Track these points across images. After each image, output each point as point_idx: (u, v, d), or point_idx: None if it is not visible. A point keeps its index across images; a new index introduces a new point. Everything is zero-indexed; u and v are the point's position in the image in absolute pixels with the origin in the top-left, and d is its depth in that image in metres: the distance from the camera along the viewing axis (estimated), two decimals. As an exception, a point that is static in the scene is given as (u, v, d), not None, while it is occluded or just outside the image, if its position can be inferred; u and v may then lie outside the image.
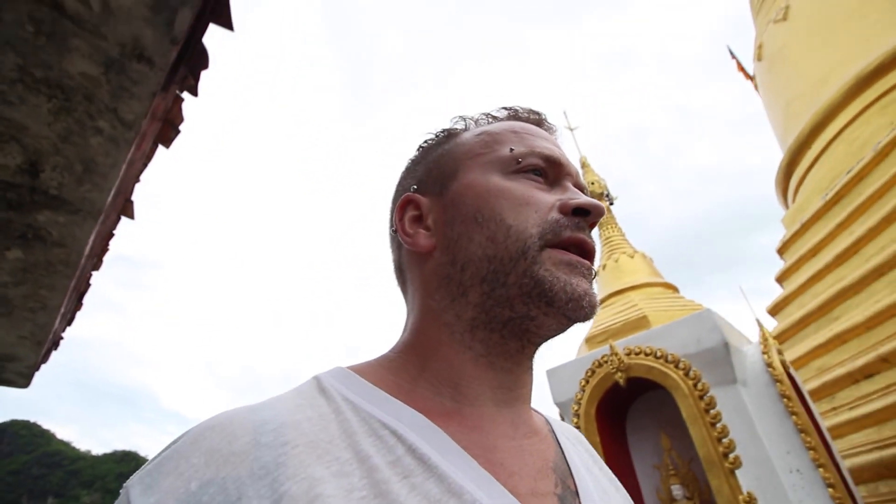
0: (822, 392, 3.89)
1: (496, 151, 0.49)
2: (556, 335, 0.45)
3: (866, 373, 3.55)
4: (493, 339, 0.44)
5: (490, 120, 0.55)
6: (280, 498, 0.30)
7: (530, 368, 0.48)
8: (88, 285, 2.17)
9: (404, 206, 0.51)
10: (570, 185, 0.49)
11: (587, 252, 0.45)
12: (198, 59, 1.34)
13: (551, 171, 0.49)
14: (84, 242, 1.76)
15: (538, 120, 0.55)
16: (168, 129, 1.55)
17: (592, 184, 4.83)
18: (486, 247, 0.44)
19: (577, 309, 0.42)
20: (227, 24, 1.23)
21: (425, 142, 0.56)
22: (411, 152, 0.58)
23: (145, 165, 1.65)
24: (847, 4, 4.76)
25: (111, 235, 1.91)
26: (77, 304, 2.23)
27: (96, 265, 2.05)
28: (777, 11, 5.59)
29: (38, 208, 1.59)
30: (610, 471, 0.53)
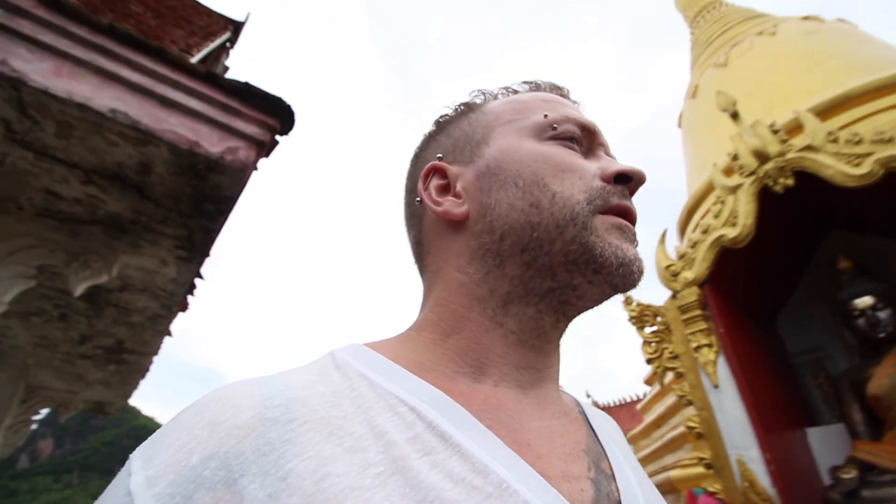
0: None
1: (529, 118, 0.47)
2: (593, 307, 0.44)
3: None
4: (528, 314, 0.43)
5: (511, 93, 0.53)
6: (286, 475, 0.28)
7: (559, 347, 0.46)
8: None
9: (429, 174, 0.49)
10: (602, 154, 0.48)
11: (633, 219, 0.44)
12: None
13: (586, 139, 0.47)
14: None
15: (562, 93, 0.53)
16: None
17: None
18: (530, 213, 0.42)
19: (628, 274, 0.41)
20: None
21: (443, 116, 0.54)
22: (427, 127, 0.55)
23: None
24: (745, 85, 5.36)
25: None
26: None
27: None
28: (716, 59, 6.27)
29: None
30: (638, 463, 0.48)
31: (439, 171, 0.49)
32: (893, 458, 2.76)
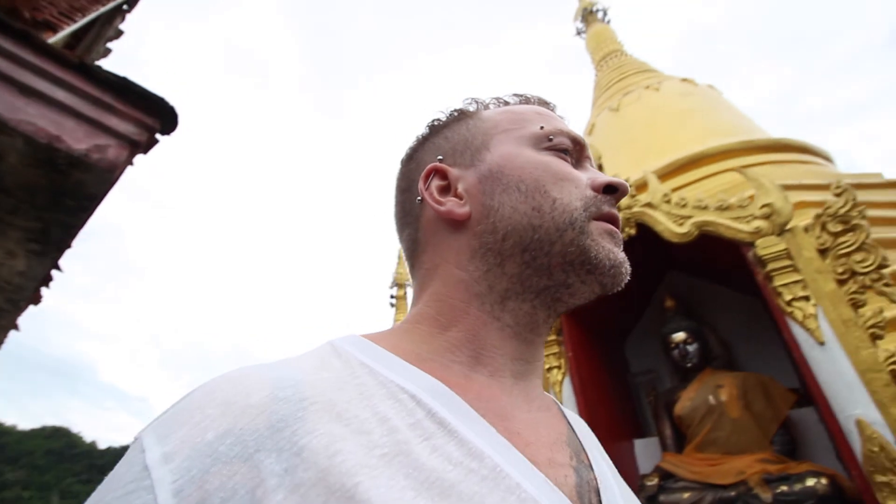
0: None
1: (526, 128, 0.51)
2: (580, 303, 0.48)
3: None
4: (524, 309, 0.46)
5: (502, 104, 0.56)
6: (300, 451, 0.30)
7: (544, 342, 0.49)
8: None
9: (429, 175, 0.51)
10: (588, 166, 0.53)
11: (619, 226, 0.49)
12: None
13: (576, 151, 0.52)
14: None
15: (550, 107, 0.57)
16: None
17: None
18: (532, 216, 0.45)
19: (617, 275, 0.45)
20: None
21: (436, 120, 0.56)
22: (418, 130, 0.57)
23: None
24: (631, 131, 6.05)
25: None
26: None
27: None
28: (611, 104, 6.97)
29: None
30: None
31: (440, 173, 0.51)
32: (687, 468, 3.34)
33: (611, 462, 0.50)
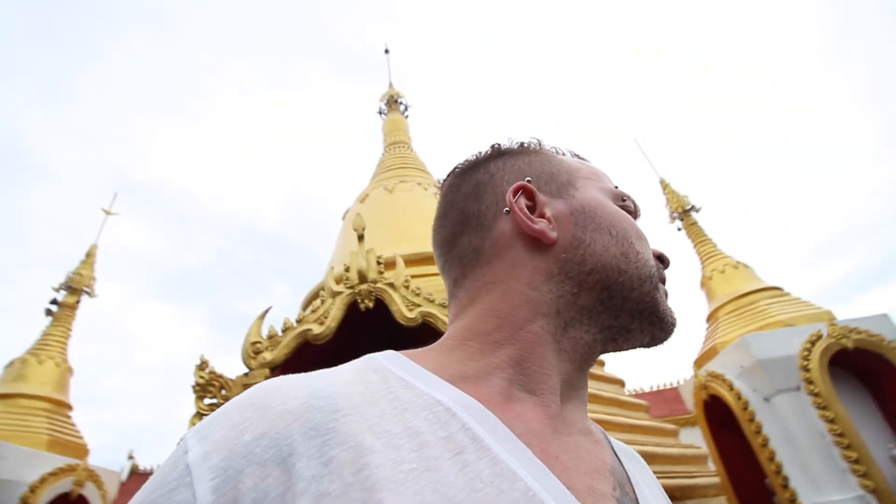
0: None
1: (605, 183, 0.54)
2: (627, 349, 0.50)
3: None
4: (584, 340, 0.47)
5: (561, 153, 0.58)
6: (329, 461, 0.31)
7: (588, 375, 0.51)
8: None
9: (517, 191, 0.51)
10: None
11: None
12: None
13: (635, 219, 0.55)
14: None
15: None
16: None
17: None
18: (621, 261, 0.47)
19: (670, 332, 0.49)
20: None
21: (507, 145, 0.57)
22: (486, 146, 0.58)
23: None
24: (394, 214, 6.70)
25: None
26: None
27: None
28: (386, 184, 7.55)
29: None
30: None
31: (528, 192, 0.51)
32: None
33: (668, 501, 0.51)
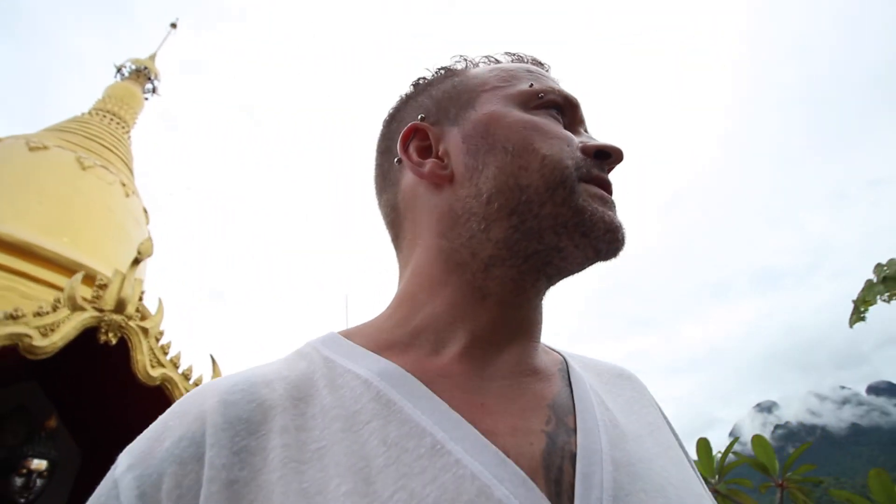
0: None
1: (515, 86, 0.48)
2: (576, 271, 0.45)
3: None
4: (510, 276, 0.43)
5: (493, 62, 0.54)
6: (240, 450, 0.33)
7: (540, 306, 0.47)
8: None
9: (409, 135, 0.49)
10: (583, 130, 0.50)
11: (611, 193, 0.46)
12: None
13: (568, 111, 0.49)
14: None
15: (544, 67, 0.54)
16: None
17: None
18: (520, 176, 0.43)
19: (613, 241, 0.43)
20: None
21: (421, 78, 0.55)
22: (403, 89, 0.55)
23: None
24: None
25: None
26: None
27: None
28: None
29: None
30: (665, 420, 0.50)
31: (421, 132, 0.49)
32: None
33: (658, 423, 0.47)
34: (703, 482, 0.44)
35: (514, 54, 0.54)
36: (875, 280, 5.53)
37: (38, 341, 2.97)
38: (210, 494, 0.31)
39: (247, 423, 0.35)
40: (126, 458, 0.35)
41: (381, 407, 0.36)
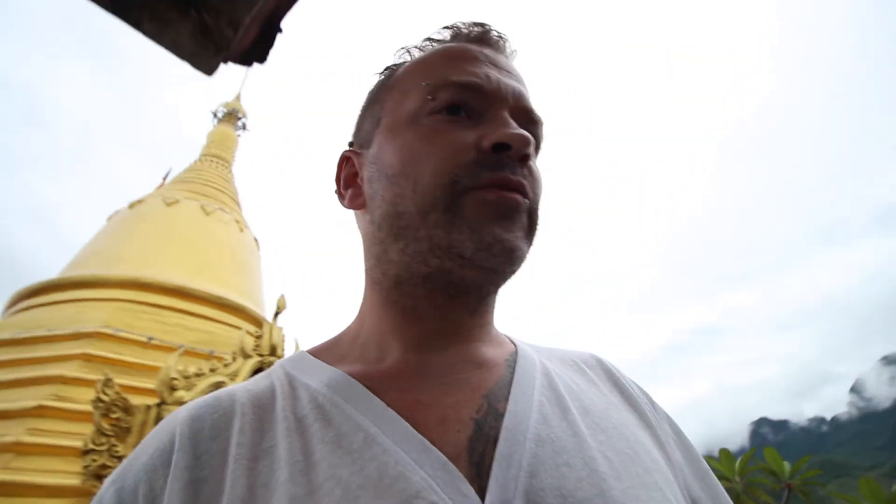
0: None
1: (411, 96, 0.46)
2: (488, 286, 0.45)
3: None
4: (419, 293, 0.45)
5: (431, 45, 0.50)
6: (202, 453, 0.39)
7: (478, 311, 0.47)
8: None
9: (342, 164, 0.51)
10: (503, 113, 0.44)
11: (513, 188, 0.42)
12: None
13: (474, 101, 0.44)
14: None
15: (480, 35, 0.49)
16: None
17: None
18: (397, 203, 0.43)
19: (490, 258, 0.41)
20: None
21: (370, 88, 0.52)
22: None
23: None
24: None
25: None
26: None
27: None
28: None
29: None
30: (642, 399, 0.51)
31: (348, 160, 0.50)
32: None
33: (615, 403, 0.48)
34: (670, 462, 0.45)
35: (451, 27, 0.50)
36: None
37: (230, 385, 4.27)
38: (173, 492, 0.36)
39: (210, 429, 0.40)
40: (110, 479, 0.41)
41: (324, 411, 0.40)
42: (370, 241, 0.48)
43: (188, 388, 3.95)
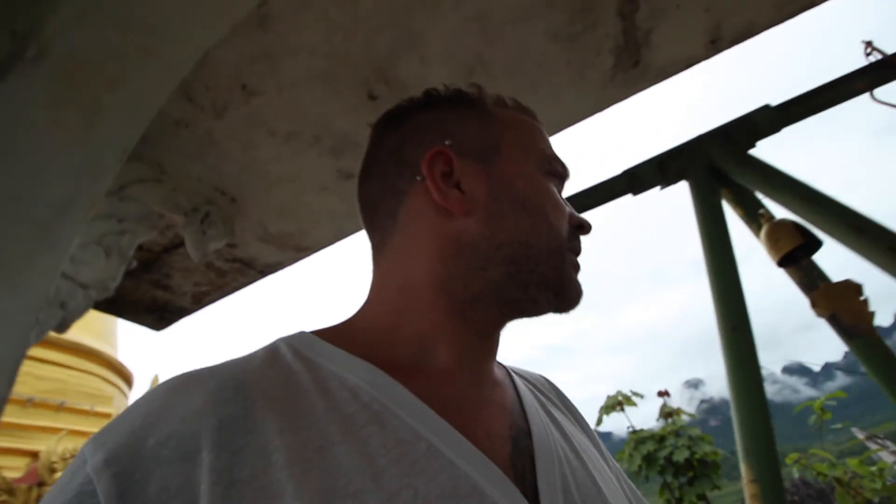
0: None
1: (536, 145, 0.52)
2: (537, 316, 0.50)
3: None
4: (492, 313, 0.47)
5: (506, 103, 0.55)
6: (239, 450, 0.31)
7: (500, 336, 0.51)
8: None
9: (434, 157, 0.49)
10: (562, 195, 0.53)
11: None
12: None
13: (562, 182, 0.54)
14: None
15: (528, 110, 0.57)
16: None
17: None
18: (530, 235, 0.47)
19: (574, 304, 0.49)
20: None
21: (434, 90, 0.54)
22: (416, 95, 0.54)
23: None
24: None
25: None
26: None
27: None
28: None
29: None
30: (583, 419, 0.58)
31: (445, 158, 0.49)
32: None
33: (579, 422, 0.56)
34: (614, 474, 0.51)
35: (516, 102, 0.56)
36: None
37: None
38: (214, 498, 0.29)
39: (244, 420, 0.34)
40: (100, 452, 0.31)
41: (374, 414, 0.36)
42: (465, 249, 0.47)
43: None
